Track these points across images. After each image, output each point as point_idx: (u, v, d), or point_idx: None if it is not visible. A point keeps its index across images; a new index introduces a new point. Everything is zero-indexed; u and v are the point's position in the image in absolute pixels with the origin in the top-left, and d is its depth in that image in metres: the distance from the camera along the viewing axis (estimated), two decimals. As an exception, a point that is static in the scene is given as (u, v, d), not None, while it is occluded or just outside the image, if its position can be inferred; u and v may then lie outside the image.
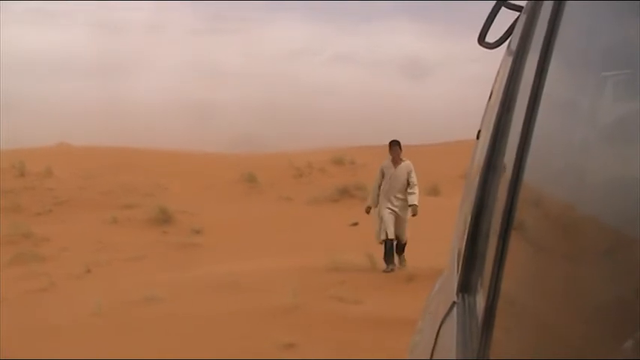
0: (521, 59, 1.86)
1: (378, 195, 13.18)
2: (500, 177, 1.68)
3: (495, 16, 2.39)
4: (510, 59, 2.04)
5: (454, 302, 1.83)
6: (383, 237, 12.79)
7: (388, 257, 12.66)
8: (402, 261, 12.90)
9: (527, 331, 1.31)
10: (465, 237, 1.86)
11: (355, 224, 18.21)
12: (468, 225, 1.86)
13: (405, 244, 13.09)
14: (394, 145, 13.38)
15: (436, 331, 1.91)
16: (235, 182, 25.98)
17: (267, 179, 26.07)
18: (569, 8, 1.47)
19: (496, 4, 2.38)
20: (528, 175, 1.42)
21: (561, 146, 1.35)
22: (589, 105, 1.36)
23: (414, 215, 13.00)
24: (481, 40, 2.41)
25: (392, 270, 12.38)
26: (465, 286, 1.80)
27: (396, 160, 13.23)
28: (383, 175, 13.25)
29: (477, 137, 2.36)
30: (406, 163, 13.24)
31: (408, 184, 13.05)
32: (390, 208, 12.92)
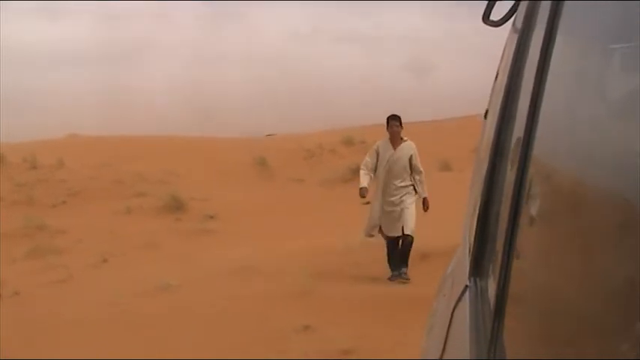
0: (527, 36, 1.84)
1: (370, 178, 10.92)
2: (509, 158, 1.66)
3: None
4: (515, 37, 2.02)
5: (466, 286, 1.82)
6: (372, 233, 11.07)
7: (392, 260, 10.73)
8: (402, 274, 10.50)
9: (540, 315, 1.30)
10: (475, 220, 1.85)
11: (368, 203, 18.18)
12: (477, 208, 1.85)
13: (411, 243, 10.66)
14: (393, 120, 10.82)
15: (450, 314, 1.90)
16: (246, 166, 25.98)
17: (278, 162, 26.07)
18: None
19: None
20: (537, 153, 1.41)
21: (570, 122, 1.34)
22: (597, 79, 1.35)
23: (426, 210, 10.81)
24: (485, 18, 2.39)
25: (400, 276, 10.47)
26: (477, 270, 1.79)
27: (396, 140, 10.77)
28: (378, 157, 10.80)
29: (485, 117, 2.34)
30: (408, 144, 10.81)
31: (411, 169, 10.74)
32: (388, 202, 10.74)
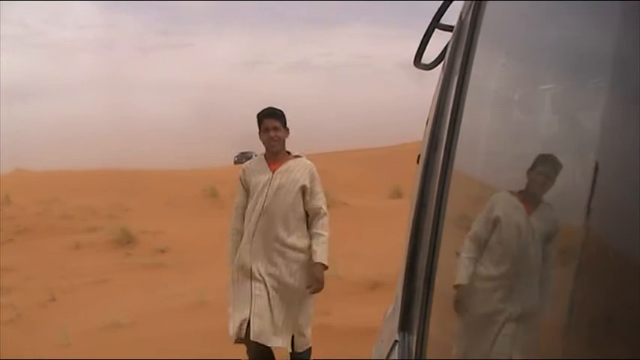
0: (449, 81, 1.85)
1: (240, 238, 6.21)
2: (431, 210, 1.66)
3: (429, 37, 2.39)
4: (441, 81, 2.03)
5: (396, 341, 1.81)
6: (236, 333, 6.01)
7: None
8: None
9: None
10: (404, 273, 1.84)
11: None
12: (405, 261, 1.84)
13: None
14: (269, 118, 6.10)
15: (383, 366, 1.88)
16: (196, 198, 25.82)
17: (228, 193, 25.92)
18: (485, 29, 1.47)
19: (430, 25, 2.38)
20: (452, 208, 1.42)
21: (484, 167, 1.36)
22: (509, 118, 1.38)
23: (315, 291, 6.06)
24: (417, 61, 2.41)
25: None
26: (405, 324, 1.78)
27: (278, 157, 6.17)
28: (248, 192, 6.23)
29: (417, 162, 2.34)
30: (301, 163, 6.20)
31: (306, 209, 6.16)
32: (261, 279, 6.05)
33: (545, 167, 1.07)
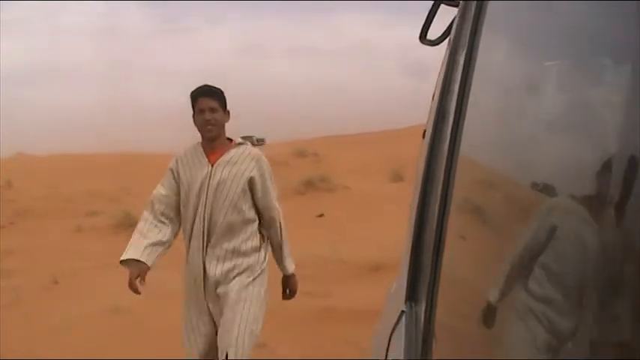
0: (455, 57, 1.84)
1: (159, 241, 5.27)
2: (439, 179, 1.66)
3: (435, 12, 2.38)
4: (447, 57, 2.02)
5: (403, 311, 1.81)
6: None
7: None
8: None
9: (470, 338, 1.29)
10: (410, 244, 1.84)
11: (321, 215, 18.19)
12: (412, 232, 1.84)
13: None
14: (205, 97, 5.14)
15: (388, 338, 1.89)
16: (199, 182, 25.83)
17: (230, 176, 25.92)
18: (492, 4, 1.46)
19: (435, 1, 2.37)
20: (461, 172, 1.40)
21: (494, 138, 1.35)
22: (519, 95, 1.36)
23: (287, 296, 5.83)
24: (422, 37, 2.40)
25: None
26: (412, 295, 1.78)
27: (216, 145, 5.23)
28: (179, 185, 5.26)
29: (423, 136, 2.34)
30: (247, 152, 5.26)
31: (257, 208, 5.26)
32: (201, 288, 5.36)
33: (627, 171, 0.86)
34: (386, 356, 1.83)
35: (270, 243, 5.46)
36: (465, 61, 1.50)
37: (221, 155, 5.23)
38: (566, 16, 1.15)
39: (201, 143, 5.29)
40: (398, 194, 15.95)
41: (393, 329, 1.85)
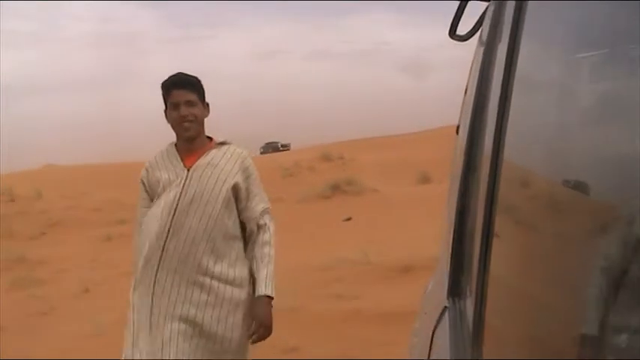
0: (493, 49, 1.82)
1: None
2: (481, 173, 1.65)
3: (465, 7, 2.36)
4: (482, 50, 2.01)
5: (445, 307, 1.80)
6: None
7: None
8: None
9: (520, 333, 1.28)
10: (451, 237, 1.83)
11: (348, 219, 18.17)
12: (453, 224, 1.83)
13: None
14: (177, 88, 4.23)
15: (430, 334, 1.88)
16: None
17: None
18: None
19: None
20: (508, 164, 1.39)
21: (540, 131, 1.33)
22: (564, 87, 1.35)
23: (260, 339, 4.23)
24: (452, 32, 2.38)
25: None
26: (455, 290, 1.77)
27: (194, 146, 4.30)
28: (154, 195, 4.31)
29: (457, 132, 2.33)
30: (230, 152, 4.29)
31: (241, 219, 4.26)
32: (170, 323, 4.07)
33: None
34: (429, 353, 1.82)
35: (253, 256, 4.22)
36: (507, 57, 1.48)
37: (199, 158, 4.20)
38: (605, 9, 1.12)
39: (176, 144, 4.31)
40: (425, 196, 15.91)
41: (436, 326, 1.84)
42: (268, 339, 4.35)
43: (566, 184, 1.10)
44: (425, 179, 23.79)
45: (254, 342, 4.23)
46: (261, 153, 54.94)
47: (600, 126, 1.09)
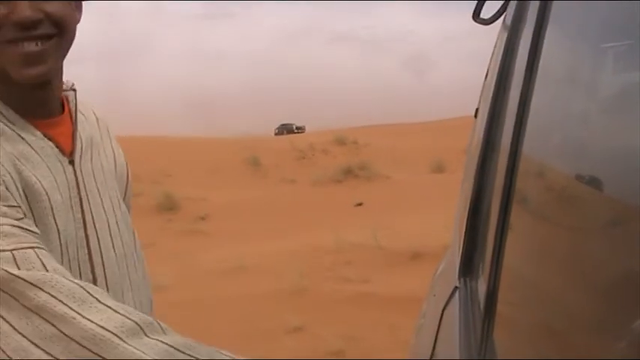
0: (517, 34, 1.82)
1: None
2: (499, 155, 1.65)
3: None
4: (505, 35, 2.00)
5: (456, 287, 1.80)
6: None
7: None
8: None
9: (531, 314, 1.29)
10: (466, 219, 1.83)
11: (360, 204, 18.17)
12: (468, 206, 1.84)
13: None
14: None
15: (439, 315, 1.88)
16: (239, 166, 25.99)
17: (270, 162, 26.05)
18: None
19: None
20: (527, 151, 1.39)
21: (561, 120, 1.33)
22: (588, 77, 1.34)
23: None
24: (476, 16, 2.37)
25: None
26: (467, 270, 1.77)
27: (52, 109, 1.73)
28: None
29: (475, 116, 2.33)
30: (96, 118, 1.93)
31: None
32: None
33: None
34: (437, 332, 1.83)
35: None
36: (532, 40, 1.48)
37: (70, 134, 1.85)
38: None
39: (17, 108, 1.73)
40: (439, 185, 15.90)
41: (445, 306, 1.85)
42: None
43: (580, 179, 1.10)
44: (439, 168, 23.73)
45: None
46: (276, 134, 54.93)
47: (619, 119, 1.09)
